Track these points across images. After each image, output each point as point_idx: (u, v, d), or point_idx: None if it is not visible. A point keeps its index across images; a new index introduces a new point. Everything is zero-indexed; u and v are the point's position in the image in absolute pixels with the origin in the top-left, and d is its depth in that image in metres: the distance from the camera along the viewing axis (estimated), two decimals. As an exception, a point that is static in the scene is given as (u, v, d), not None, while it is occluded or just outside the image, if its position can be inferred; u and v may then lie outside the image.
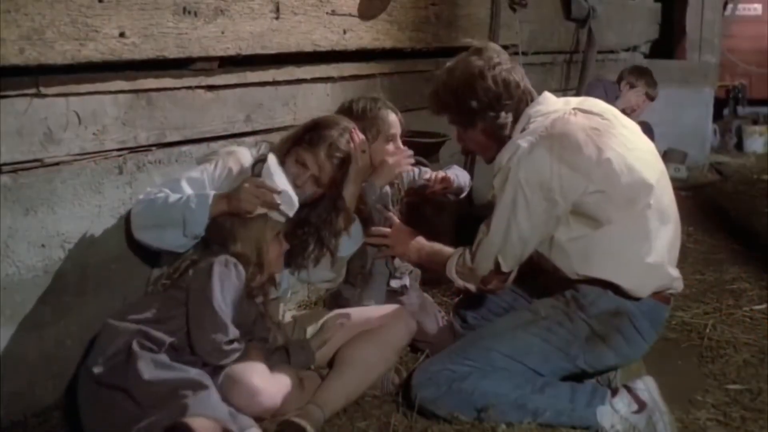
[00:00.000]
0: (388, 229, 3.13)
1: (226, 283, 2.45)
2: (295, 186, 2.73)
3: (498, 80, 2.76)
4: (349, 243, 3.03)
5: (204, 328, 2.40)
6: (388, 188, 3.33)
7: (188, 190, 2.67)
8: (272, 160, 2.69)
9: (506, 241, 2.68)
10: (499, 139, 2.81)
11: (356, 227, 3.05)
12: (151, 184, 2.88)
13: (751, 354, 3.24)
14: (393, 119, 3.21)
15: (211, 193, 2.62)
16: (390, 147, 3.21)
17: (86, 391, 2.37)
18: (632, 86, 5.59)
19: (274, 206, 2.59)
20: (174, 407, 2.18)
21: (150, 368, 2.29)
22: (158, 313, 2.44)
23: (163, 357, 2.34)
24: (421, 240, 3.12)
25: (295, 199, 2.66)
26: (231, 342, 2.42)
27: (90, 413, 2.36)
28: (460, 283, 2.87)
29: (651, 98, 5.65)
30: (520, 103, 2.80)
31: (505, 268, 2.74)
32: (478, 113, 2.81)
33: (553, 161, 2.61)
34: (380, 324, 2.84)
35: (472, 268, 2.79)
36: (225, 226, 2.55)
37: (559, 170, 2.61)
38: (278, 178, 2.65)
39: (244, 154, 2.85)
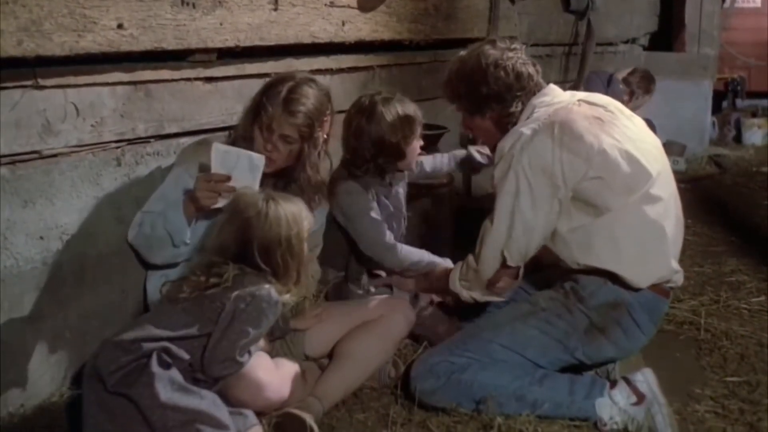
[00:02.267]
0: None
1: (263, 322, 2.39)
2: (266, 150, 2.72)
3: (510, 71, 2.78)
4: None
5: (216, 355, 2.32)
6: (401, 190, 3.34)
7: (166, 203, 2.72)
8: (215, 147, 2.64)
9: (511, 232, 2.68)
10: (506, 128, 2.82)
11: (320, 211, 2.98)
12: (149, 176, 2.90)
13: (750, 346, 3.24)
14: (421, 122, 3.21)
15: (180, 199, 2.67)
16: (415, 146, 3.21)
17: (91, 391, 2.30)
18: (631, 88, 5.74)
19: (231, 192, 2.58)
20: None
21: (167, 389, 2.23)
22: (187, 331, 2.33)
23: (179, 375, 2.28)
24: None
25: (258, 157, 2.64)
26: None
27: (93, 415, 2.29)
28: (465, 294, 2.87)
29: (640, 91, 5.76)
30: (530, 95, 2.81)
31: (511, 262, 2.73)
32: (488, 102, 2.82)
33: (555, 146, 2.62)
34: (379, 316, 2.84)
35: (477, 270, 2.79)
36: (280, 259, 2.46)
37: (560, 155, 2.62)
38: (231, 158, 2.62)
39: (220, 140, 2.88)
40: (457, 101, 2.94)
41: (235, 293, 2.34)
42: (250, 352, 2.40)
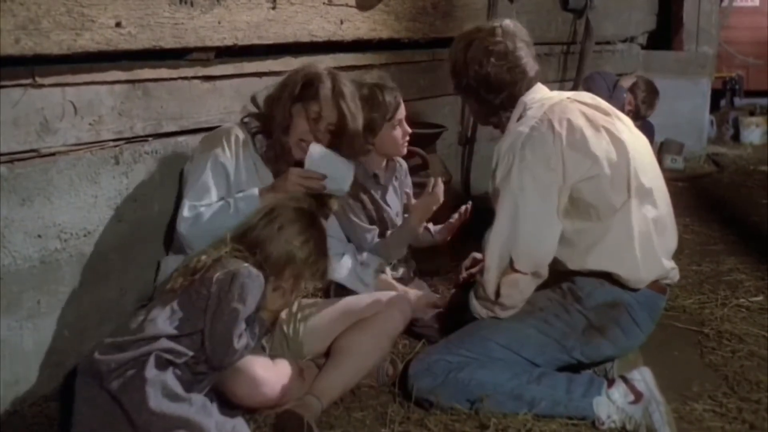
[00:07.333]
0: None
1: (249, 298, 2.40)
2: (316, 139, 2.85)
3: (506, 64, 2.79)
4: None
5: (215, 341, 2.33)
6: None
7: (215, 190, 2.77)
8: (313, 147, 2.80)
9: (517, 230, 2.64)
10: (492, 111, 2.89)
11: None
12: (147, 175, 2.89)
13: (748, 344, 3.25)
14: (397, 104, 3.27)
15: (255, 190, 2.75)
16: (397, 132, 3.27)
17: (84, 388, 2.30)
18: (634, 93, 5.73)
19: (321, 190, 2.76)
20: None
21: (157, 395, 2.22)
22: (180, 326, 2.35)
23: (173, 379, 2.28)
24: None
25: (351, 163, 2.86)
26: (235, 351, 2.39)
27: (82, 413, 2.29)
28: (483, 312, 2.79)
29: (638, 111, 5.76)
30: (523, 90, 2.82)
31: (518, 265, 2.65)
32: (477, 90, 2.85)
33: (556, 141, 2.64)
34: (375, 312, 2.83)
35: (483, 280, 2.73)
36: (272, 252, 2.51)
37: (561, 150, 2.63)
38: (327, 160, 2.78)
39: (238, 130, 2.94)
40: (455, 80, 2.96)
41: (216, 276, 2.38)
42: (243, 339, 2.40)
